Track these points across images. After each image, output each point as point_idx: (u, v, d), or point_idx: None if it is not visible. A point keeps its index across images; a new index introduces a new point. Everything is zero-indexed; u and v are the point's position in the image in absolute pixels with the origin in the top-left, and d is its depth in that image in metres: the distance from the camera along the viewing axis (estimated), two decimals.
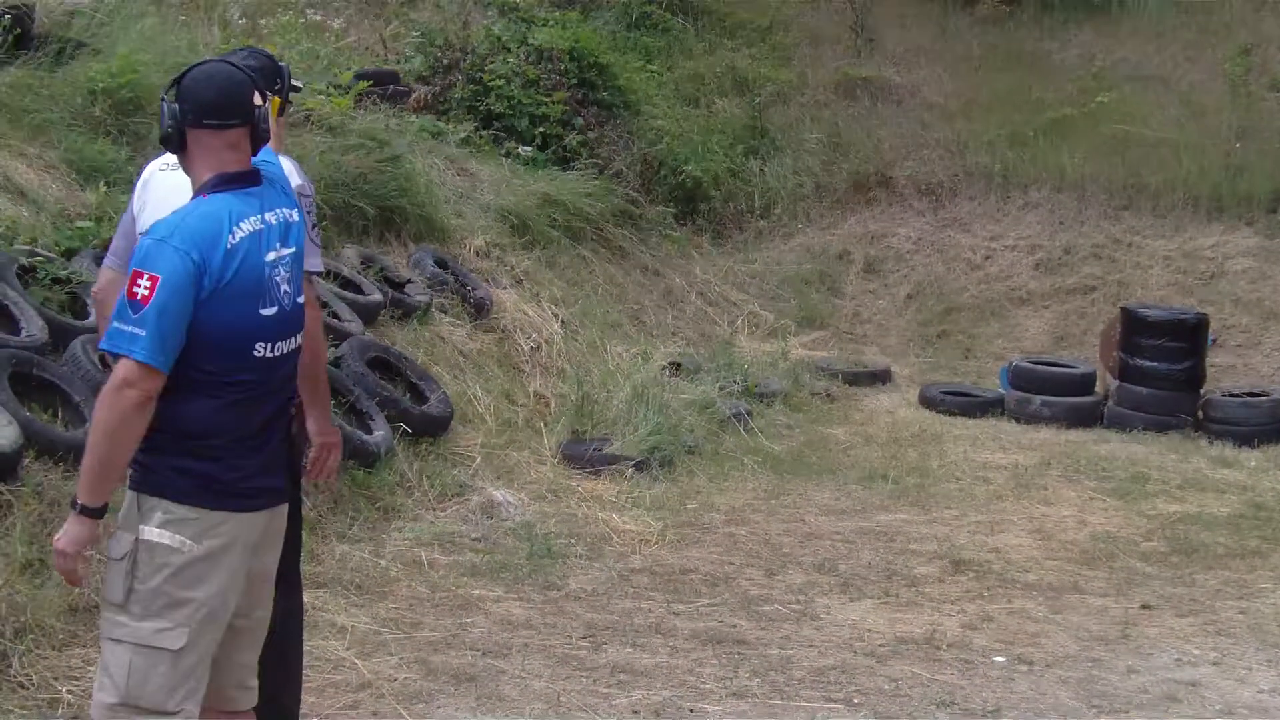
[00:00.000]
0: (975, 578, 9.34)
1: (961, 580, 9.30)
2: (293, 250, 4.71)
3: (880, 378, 15.53)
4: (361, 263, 12.11)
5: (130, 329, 4.34)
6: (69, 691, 6.45)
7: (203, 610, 4.54)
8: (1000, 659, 7.85)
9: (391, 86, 15.99)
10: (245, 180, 4.62)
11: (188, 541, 4.49)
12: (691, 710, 6.99)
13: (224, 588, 4.59)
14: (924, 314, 17.73)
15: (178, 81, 4.63)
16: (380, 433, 9.90)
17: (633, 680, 7.32)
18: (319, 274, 5.92)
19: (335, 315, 10.80)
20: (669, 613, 8.42)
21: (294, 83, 5.82)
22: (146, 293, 4.33)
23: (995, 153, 19.42)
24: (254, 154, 4.70)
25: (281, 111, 5.67)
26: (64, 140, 10.60)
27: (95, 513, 4.48)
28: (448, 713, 6.86)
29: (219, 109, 4.57)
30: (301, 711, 5.97)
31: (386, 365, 10.82)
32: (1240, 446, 13.08)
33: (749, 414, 12.99)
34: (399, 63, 17.64)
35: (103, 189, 10.08)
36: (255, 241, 4.53)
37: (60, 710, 6.32)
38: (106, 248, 5.85)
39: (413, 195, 13.27)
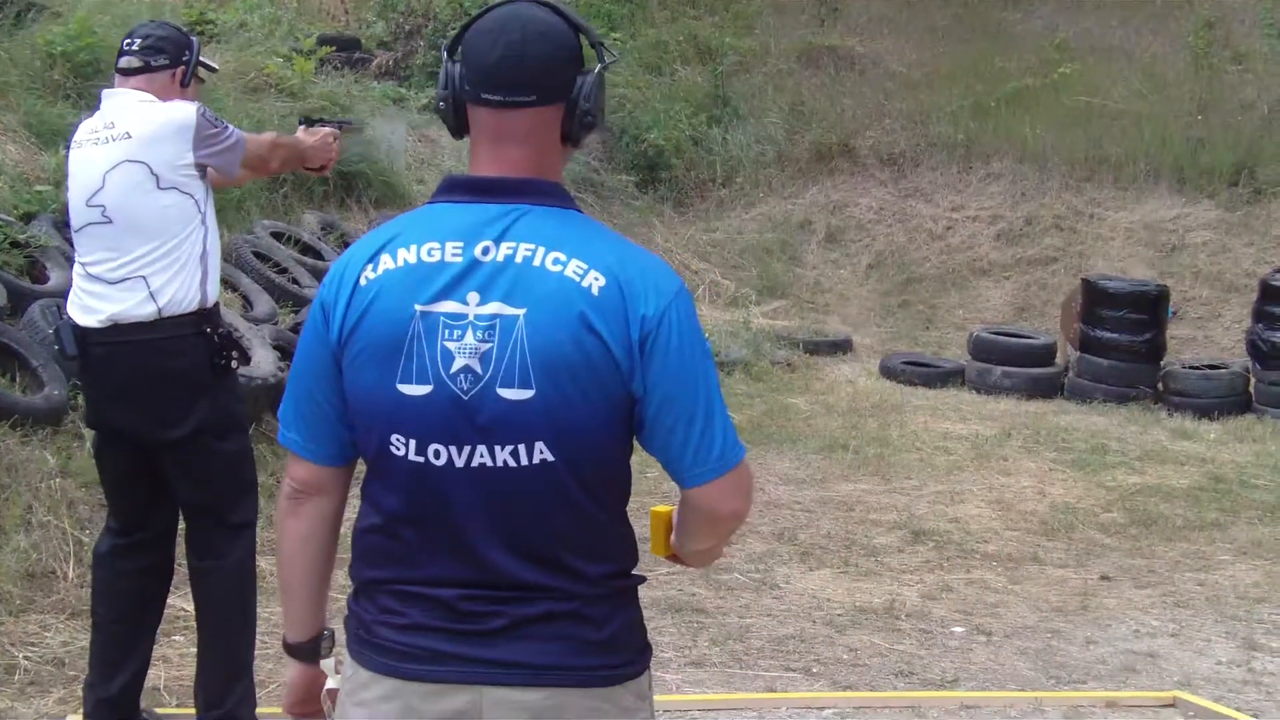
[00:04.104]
0: (935, 548, 9.35)
1: (921, 550, 9.31)
2: (513, 313, 2.77)
3: (841, 347, 15.53)
4: (322, 228, 12.07)
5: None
6: (25, 658, 6.40)
7: None
8: (959, 629, 7.86)
9: (355, 53, 15.96)
10: (486, 190, 2.86)
11: (344, 702, 2.99)
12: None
13: None
14: (885, 284, 17.74)
15: (464, 30, 2.91)
16: None
17: None
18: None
19: (295, 281, 10.81)
20: None
21: (205, 60, 5.73)
22: None
23: (958, 123, 19.43)
24: (576, 145, 2.95)
25: (185, 83, 5.58)
26: (22, 104, 10.54)
27: (295, 650, 3.16)
28: None
29: (500, 75, 2.82)
30: (260, 678, 5.95)
31: None
32: (1200, 419, 13.13)
33: None
34: (361, 28, 17.58)
35: (62, 153, 9.97)
36: (404, 280, 2.80)
37: (16, 676, 6.26)
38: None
39: (373, 161, 13.25)
